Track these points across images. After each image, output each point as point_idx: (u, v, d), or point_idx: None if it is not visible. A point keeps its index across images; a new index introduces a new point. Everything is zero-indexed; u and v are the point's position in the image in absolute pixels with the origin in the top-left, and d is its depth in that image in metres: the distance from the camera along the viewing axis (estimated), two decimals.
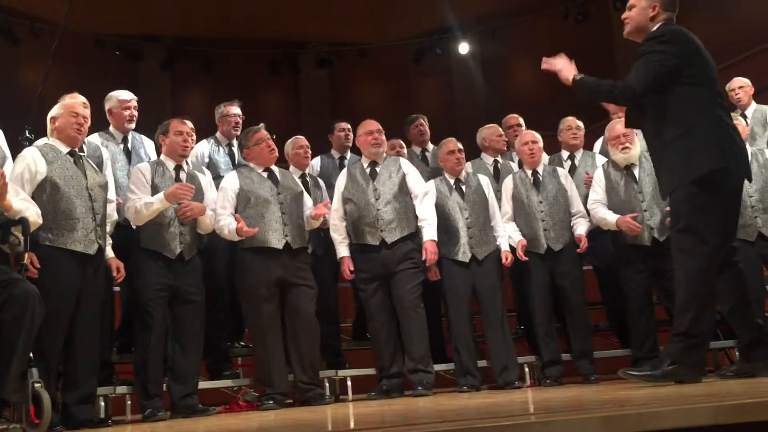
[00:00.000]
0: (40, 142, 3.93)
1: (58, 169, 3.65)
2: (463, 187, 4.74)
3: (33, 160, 3.63)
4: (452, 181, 4.77)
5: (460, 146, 4.81)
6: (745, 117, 5.37)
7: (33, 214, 3.39)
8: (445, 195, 4.72)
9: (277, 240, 4.22)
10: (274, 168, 4.46)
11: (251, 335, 4.29)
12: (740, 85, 5.51)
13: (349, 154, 5.48)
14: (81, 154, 3.85)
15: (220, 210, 4.26)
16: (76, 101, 3.94)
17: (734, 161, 3.25)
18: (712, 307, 3.34)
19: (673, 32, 3.32)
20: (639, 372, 3.37)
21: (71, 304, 3.55)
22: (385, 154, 4.75)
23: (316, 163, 5.38)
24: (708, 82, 3.30)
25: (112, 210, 4.08)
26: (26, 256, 3.30)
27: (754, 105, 5.49)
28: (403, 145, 5.39)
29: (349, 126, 5.48)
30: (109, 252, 3.93)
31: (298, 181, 4.63)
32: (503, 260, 4.62)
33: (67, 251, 3.56)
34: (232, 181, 4.36)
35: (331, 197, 4.74)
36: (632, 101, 3.40)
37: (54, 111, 3.83)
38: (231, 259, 4.78)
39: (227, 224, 4.19)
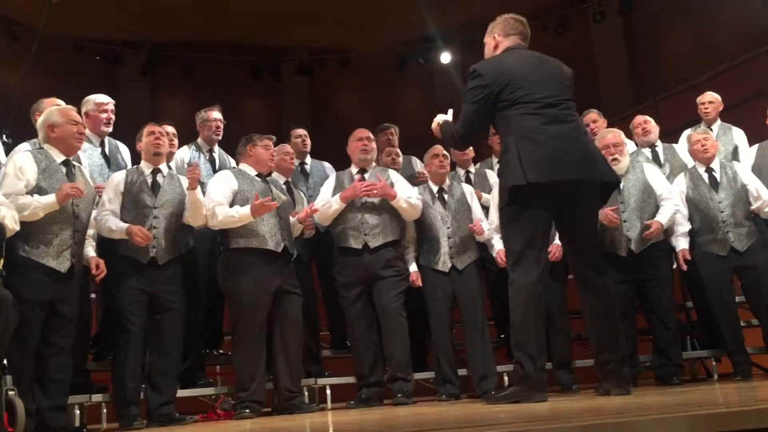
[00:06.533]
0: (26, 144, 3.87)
1: (48, 179, 3.60)
2: (446, 196, 4.75)
3: (26, 167, 3.57)
4: (435, 190, 4.78)
5: (446, 153, 4.84)
6: (710, 131, 5.44)
7: (10, 219, 3.35)
8: (428, 204, 4.73)
9: (275, 243, 4.21)
10: (264, 176, 4.45)
11: (236, 340, 4.18)
12: (710, 100, 5.62)
13: (309, 159, 5.46)
14: (75, 164, 3.79)
15: (212, 202, 4.17)
16: (72, 108, 3.87)
17: (543, 170, 3.21)
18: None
19: (482, 65, 3.46)
20: (498, 394, 3.47)
21: (41, 315, 3.51)
22: (374, 163, 4.77)
23: None
24: (521, 99, 3.33)
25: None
26: (1, 261, 3.25)
27: (718, 122, 5.60)
28: (399, 154, 5.37)
29: (305, 132, 5.50)
30: (90, 252, 3.89)
31: (284, 188, 4.63)
32: (498, 261, 4.55)
33: (40, 264, 3.52)
34: (229, 179, 4.30)
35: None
36: (464, 143, 3.91)
37: (51, 118, 3.73)
38: (212, 263, 4.75)
39: (236, 210, 4.12)
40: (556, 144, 3.26)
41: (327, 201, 4.56)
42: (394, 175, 4.73)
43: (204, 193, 4.26)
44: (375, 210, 4.53)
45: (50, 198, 3.53)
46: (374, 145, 4.76)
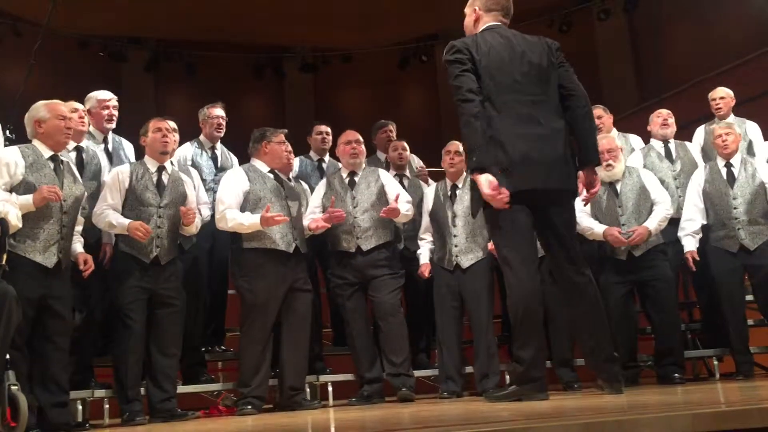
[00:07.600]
0: None
1: (36, 173, 3.59)
2: (458, 193, 4.70)
3: (13, 162, 3.57)
4: (449, 187, 4.73)
5: (460, 150, 4.67)
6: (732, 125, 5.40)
7: (13, 216, 3.35)
8: (439, 201, 4.71)
9: (287, 244, 4.21)
10: (278, 172, 4.46)
11: (245, 335, 4.20)
12: (721, 96, 5.56)
13: (327, 157, 5.49)
14: (63, 159, 3.78)
15: (223, 204, 4.18)
16: (60, 103, 3.86)
17: (514, 178, 3.15)
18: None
19: (461, 42, 3.31)
20: (499, 392, 3.49)
21: (30, 312, 3.46)
22: (363, 164, 4.78)
23: (294, 164, 5.36)
24: (498, 94, 3.23)
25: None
26: (4, 257, 3.25)
27: (732, 117, 5.55)
28: (406, 147, 5.34)
29: (327, 129, 5.49)
30: (78, 247, 3.86)
31: (298, 185, 4.66)
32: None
33: (27, 259, 3.50)
34: (241, 178, 4.28)
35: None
36: (472, 93, 3.19)
37: (38, 113, 3.73)
38: (212, 260, 4.75)
39: (246, 218, 4.12)
40: (530, 148, 3.20)
41: (314, 218, 4.49)
42: (384, 176, 4.73)
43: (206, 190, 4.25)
44: (367, 213, 4.54)
45: (27, 199, 3.51)
46: (363, 147, 4.76)
